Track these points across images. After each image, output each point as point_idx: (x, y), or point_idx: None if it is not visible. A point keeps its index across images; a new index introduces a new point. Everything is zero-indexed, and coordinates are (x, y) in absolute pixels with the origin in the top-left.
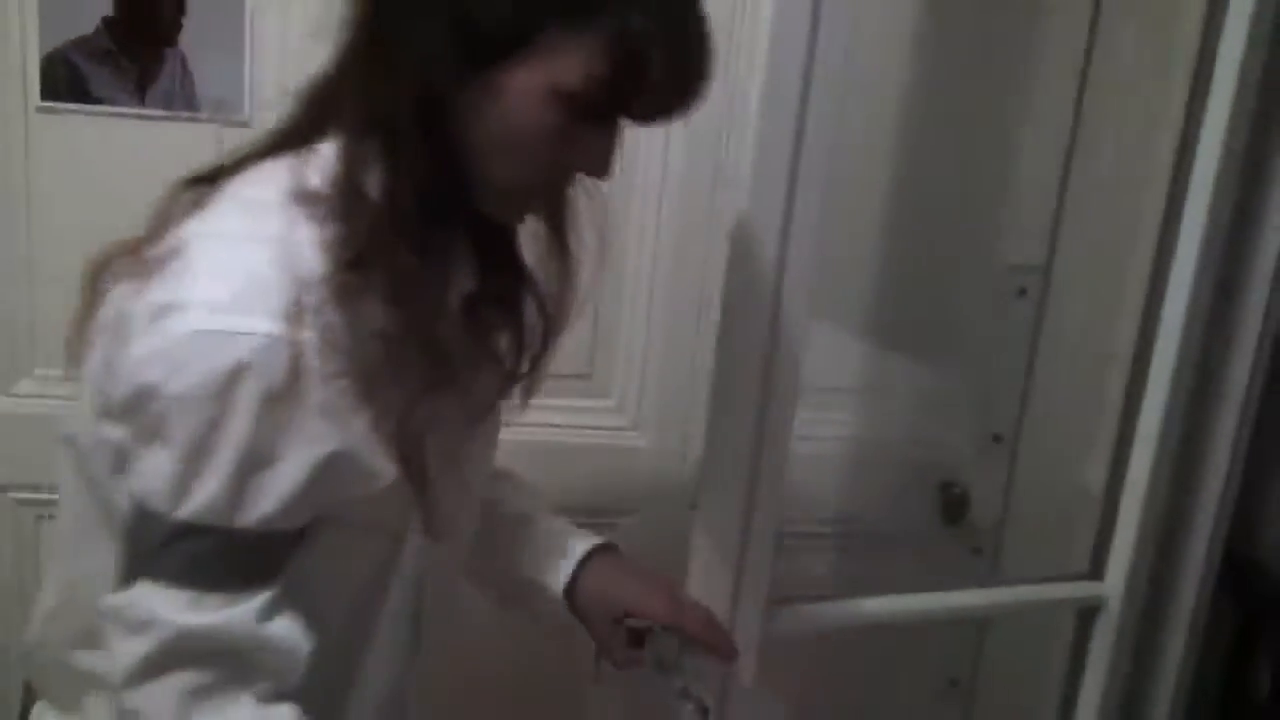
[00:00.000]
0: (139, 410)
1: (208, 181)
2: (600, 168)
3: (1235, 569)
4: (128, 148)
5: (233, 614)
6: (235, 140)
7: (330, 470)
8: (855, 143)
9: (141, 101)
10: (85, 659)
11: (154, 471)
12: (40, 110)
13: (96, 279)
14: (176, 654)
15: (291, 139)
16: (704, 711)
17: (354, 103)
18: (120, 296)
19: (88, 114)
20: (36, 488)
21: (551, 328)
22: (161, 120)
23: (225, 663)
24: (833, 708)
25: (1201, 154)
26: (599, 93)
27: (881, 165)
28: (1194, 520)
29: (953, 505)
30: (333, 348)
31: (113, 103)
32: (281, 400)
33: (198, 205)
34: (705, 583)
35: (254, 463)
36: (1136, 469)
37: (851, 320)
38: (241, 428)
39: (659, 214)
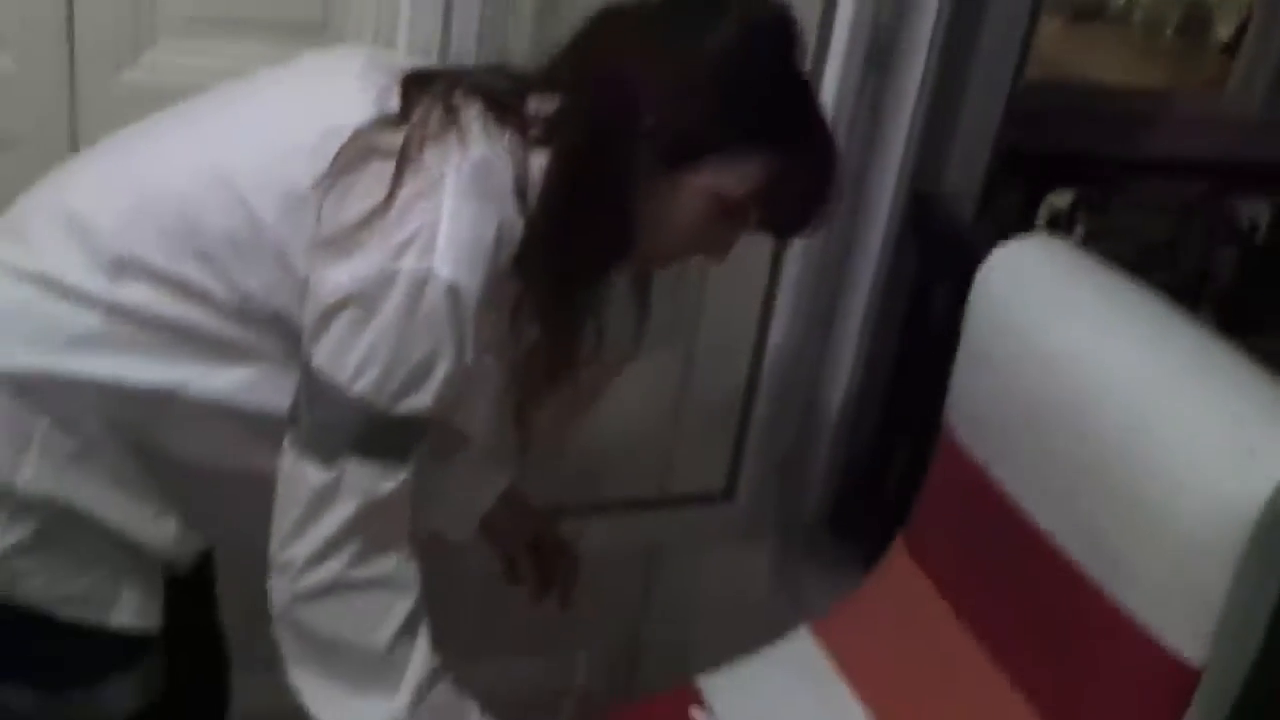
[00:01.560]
0: (370, 308)
1: (450, 88)
2: (720, 256)
3: (920, 207)
4: None
5: (403, 479)
6: None
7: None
8: None
9: None
10: None
11: (382, 376)
12: None
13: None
14: (369, 518)
15: (514, 114)
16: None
17: (564, 149)
18: (373, 183)
19: None
20: None
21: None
22: None
23: (390, 521)
24: None
25: None
26: (751, 205)
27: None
28: (883, 161)
29: None
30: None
31: None
32: (473, 337)
33: (453, 130)
34: None
35: (455, 377)
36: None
37: None
38: (454, 352)
39: None
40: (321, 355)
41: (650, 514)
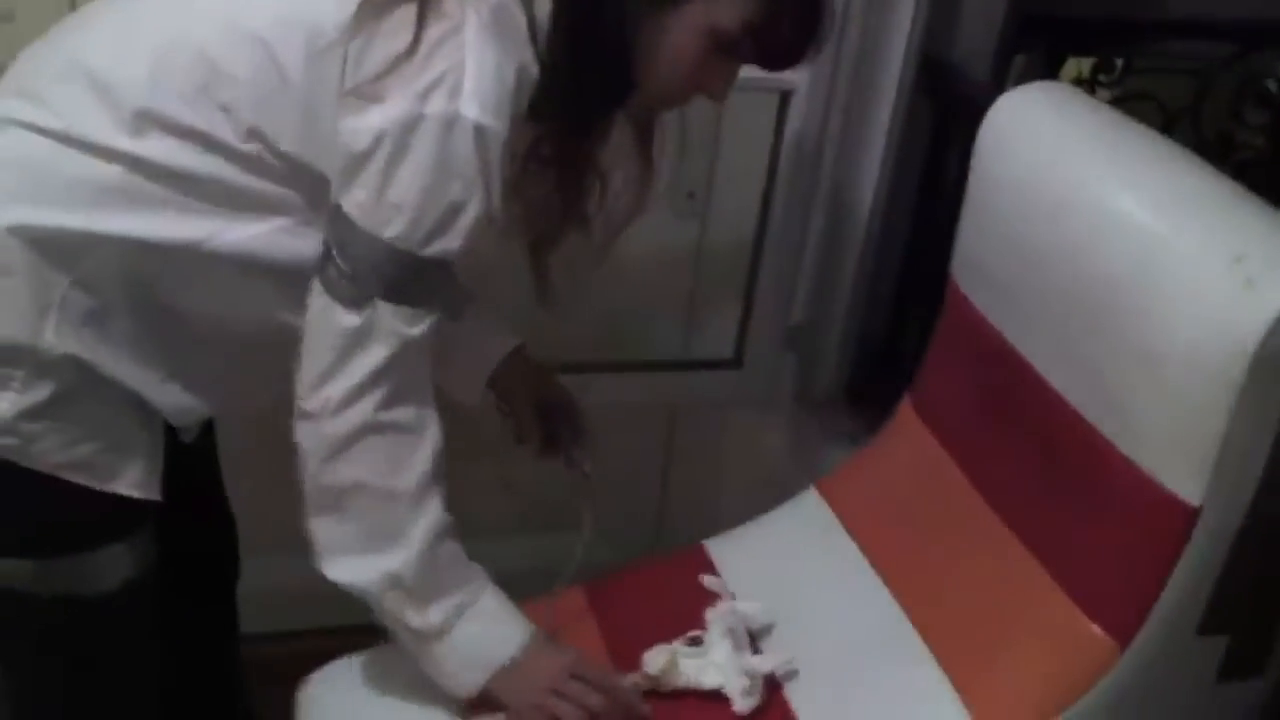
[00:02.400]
0: (400, 152)
1: None
2: (720, 94)
3: (933, 71)
4: None
5: (431, 323)
6: None
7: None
8: None
9: None
10: None
11: (414, 219)
12: None
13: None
14: (400, 362)
15: None
16: (585, 476)
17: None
18: (397, 29)
19: None
20: None
21: (607, 219)
22: None
23: (418, 367)
24: None
25: None
26: (745, 36)
27: None
28: (890, 24)
29: None
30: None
31: None
32: (498, 179)
33: None
34: None
35: (482, 219)
36: None
37: None
38: (483, 194)
39: None
40: (353, 201)
41: (660, 376)
